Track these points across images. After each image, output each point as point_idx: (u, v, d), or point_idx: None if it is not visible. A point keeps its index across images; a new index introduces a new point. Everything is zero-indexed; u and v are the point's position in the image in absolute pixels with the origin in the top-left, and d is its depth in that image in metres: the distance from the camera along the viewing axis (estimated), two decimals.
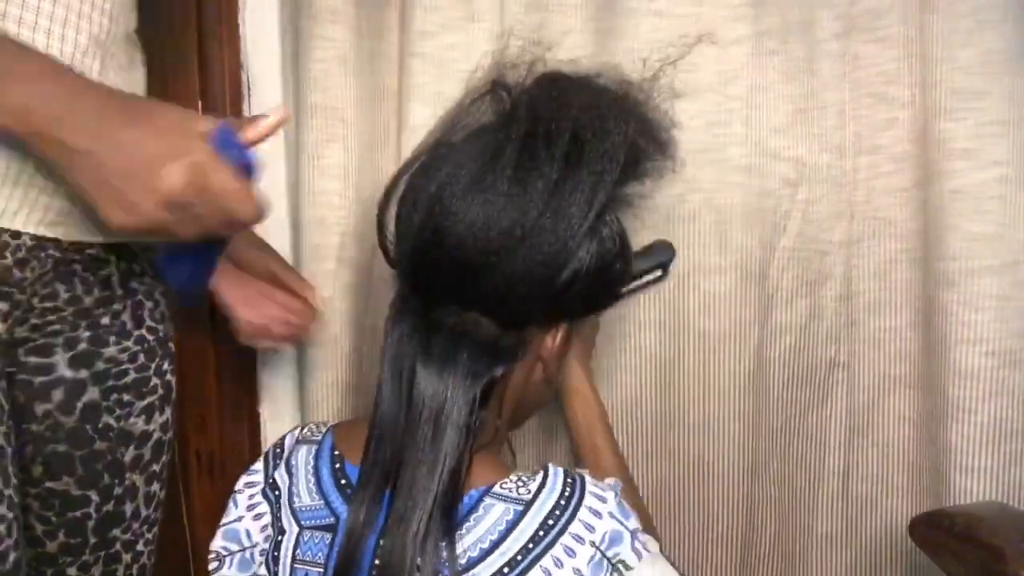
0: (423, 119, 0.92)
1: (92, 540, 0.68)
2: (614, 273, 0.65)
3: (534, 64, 0.67)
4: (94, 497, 0.68)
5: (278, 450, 0.70)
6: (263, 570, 0.65)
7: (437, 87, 0.92)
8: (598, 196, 0.59)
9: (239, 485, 0.70)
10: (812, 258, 0.94)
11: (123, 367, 0.69)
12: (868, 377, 0.96)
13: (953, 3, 0.86)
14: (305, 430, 0.70)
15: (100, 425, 0.68)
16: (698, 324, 0.92)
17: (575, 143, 0.59)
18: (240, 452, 0.98)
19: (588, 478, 0.61)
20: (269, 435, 1.00)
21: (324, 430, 0.69)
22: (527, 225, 0.58)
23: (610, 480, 0.63)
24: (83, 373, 0.66)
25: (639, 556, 0.58)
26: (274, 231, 0.95)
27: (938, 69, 0.87)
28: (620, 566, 0.58)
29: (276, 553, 0.64)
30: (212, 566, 0.67)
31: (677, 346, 0.92)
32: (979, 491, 0.87)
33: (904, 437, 0.95)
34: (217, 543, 0.67)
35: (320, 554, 0.62)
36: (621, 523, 0.59)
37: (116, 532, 0.70)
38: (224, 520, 0.68)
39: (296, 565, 0.62)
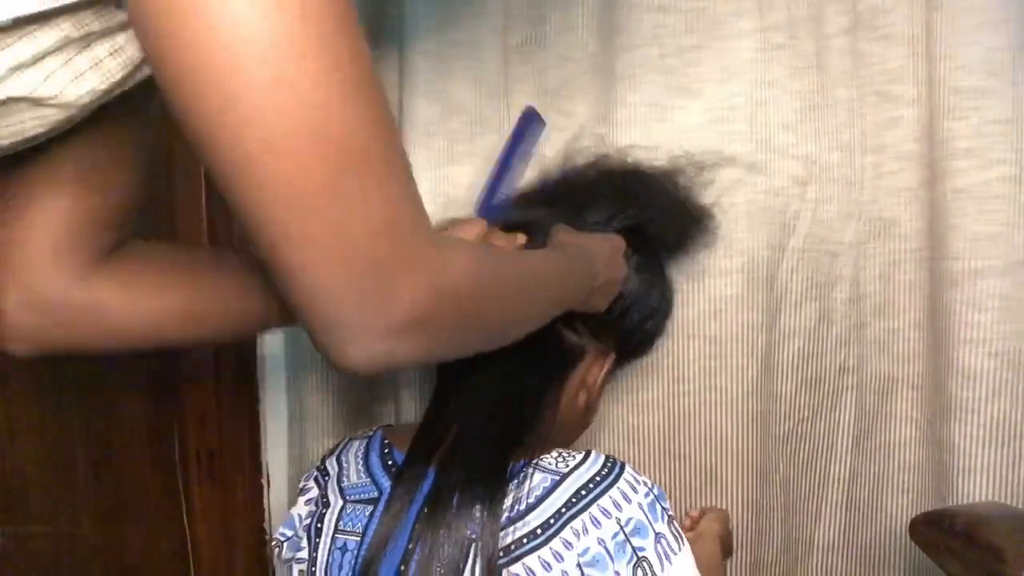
0: (427, 117, 0.92)
1: None
2: (652, 322, 0.79)
3: (600, 157, 0.85)
4: None
5: (332, 447, 0.77)
6: (304, 543, 0.70)
7: (441, 84, 0.92)
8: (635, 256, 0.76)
9: (301, 482, 0.76)
10: (822, 259, 0.92)
11: None
12: (875, 380, 0.95)
13: (957, 1, 0.85)
14: (359, 432, 0.77)
15: None
16: (704, 329, 0.90)
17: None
18: (240, 452, 0.98)
19: (629, 467, 0.64)
20: (269, 435, 0.99)
21: (376, 429, 0.75)
22: None
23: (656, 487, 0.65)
24: None
25: (661, 562, 0.60)
26: None
27: (942, 67, 0.86)
28: (645, 564, 0.60)
29: (319, 524, 0.69)
30: (275, 552, 0.74)
31: (683, 351, 0.91)
32: (982, 492, 0.87)
33: (908, 438, 0.95)
34: (279, 530, 0.73)
35: (359, 524, 0.67)
36: (647, 518, 0.61)
37: None
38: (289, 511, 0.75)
39: (337, 534, 0.68)
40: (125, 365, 0.98)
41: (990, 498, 0.87)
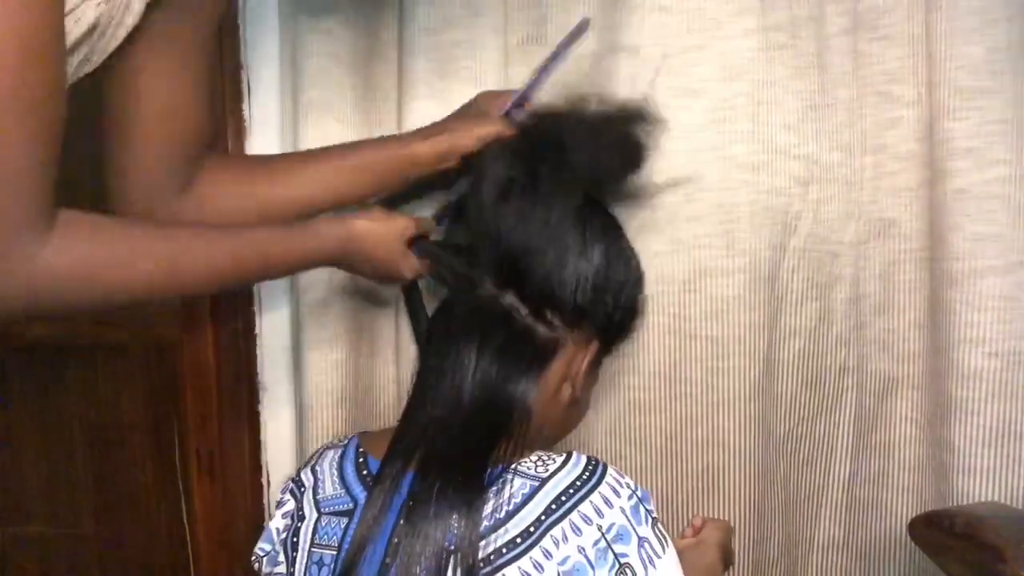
0: (427, 117, 0.91)
1: None
2: (624, 297, 0.75)
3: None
4: None
5: (308, 458, 0.75)
6: (281, 557, 0.70)
7: (441, 84, 0.91)
8: (569, 214, 0.72)
9: (277, 493, 0.76)
10: (823, 259, 0.92)
11: None
12: (875, 380, 0.95)
13: (957, 1, 0.85)
14: (333, 440, 0.76)
15: None
16: (705, 329, 0.90)
17: (549, 179, 0.73)
18: (240, 452, 0.97)
19: (612, 469, 0.63)
20: (269, 435, 0.99)
21: (351, 436, 0.74)
22: (541, 233, 0.72)
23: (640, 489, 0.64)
24: None
25: (645, 567, 0.59)
26: None
27: (942, 68, 0.86)
28: (628, 571, 0.58)
29: (295, 538, 0.68)
30: (255, 567, 0.73)
31: (684, 352, 0.91)
32: (982, 492, 0.87)
33: (909, 438, 0.95)
34: (258, 545, 0.73)
35: (335, 537, 0.65)
36: (631, 523, 0.60)
37: None
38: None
39: (313, 548, 0.67)
40: (125, 365, 0.98)
41: (990, 498, 0.87)
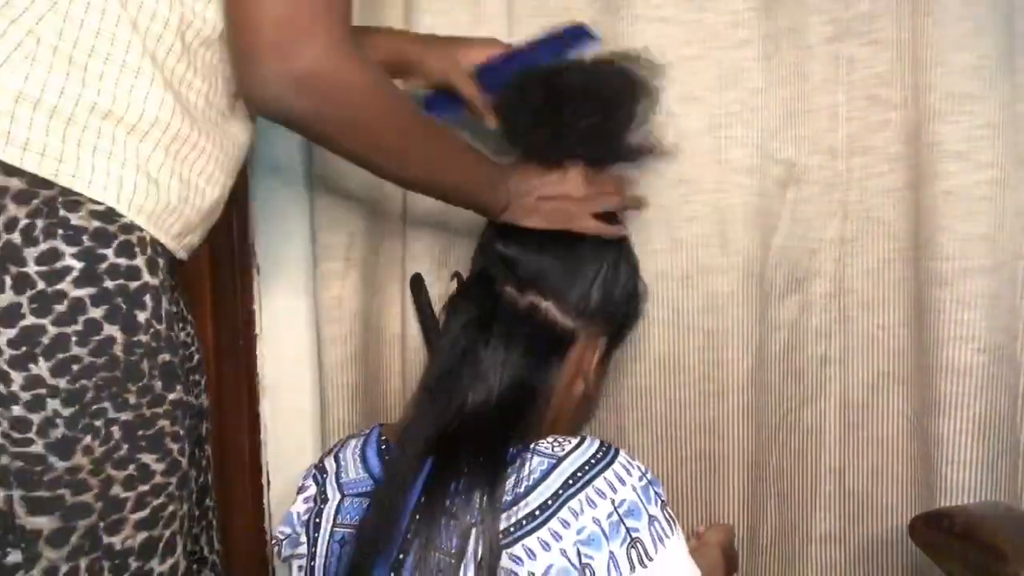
0: None
1: (196, 512, 0.69)
2: (630, 305, 0.82)
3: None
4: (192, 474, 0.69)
5: (331, 447, 0.78)
6: (303, 539, 0.71)
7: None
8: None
9: (299, 480, 0.77)
10: (801, 256, 0.97)
11: (190, 350, 0.71)
12: (862, 373, 0.98)
13: (945, 8, 0.89)
14: (355, 431, 0.80)
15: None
16: (702, 323, 0.94)
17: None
18: (240, 452, 0.97)
19: (623, 452, 0.65)
20: (269, 435, 0.99)
21: (373, 427, 0.77)
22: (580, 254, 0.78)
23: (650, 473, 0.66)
24: None
25: (655, 545, 0.61)
26: (292, 231, 0.97)
27: (931, 73, 0.90)
28: (639, 546, 0.60)
29: (318, 520, 0.71)
30: (275, 550, 0.75)
31: (681, 344, 0.94)
32: (971, 484, 0.90)
33: (898, 432, 0.97)
34: (278, 528, 0.74)
35: (357, 517, 0.68)
36: (641, 501, 0.63)
37: (208, 502, 0.73)
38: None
39: (335, 528, 0.69)
40: None
41: (978, 490, 0.90)
